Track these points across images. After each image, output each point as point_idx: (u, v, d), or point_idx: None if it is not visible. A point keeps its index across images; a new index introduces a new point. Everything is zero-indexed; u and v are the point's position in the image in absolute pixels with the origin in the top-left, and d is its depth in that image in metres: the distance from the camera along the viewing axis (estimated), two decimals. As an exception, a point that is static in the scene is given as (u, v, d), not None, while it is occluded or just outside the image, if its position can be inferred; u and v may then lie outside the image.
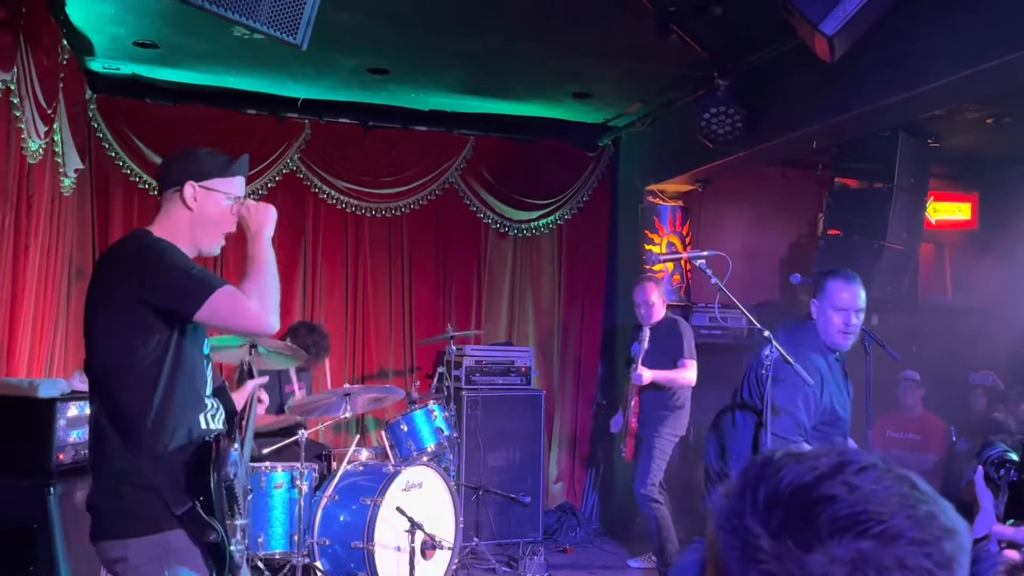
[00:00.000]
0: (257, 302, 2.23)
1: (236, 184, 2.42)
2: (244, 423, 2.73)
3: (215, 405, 2.41)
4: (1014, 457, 1.88)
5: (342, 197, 6.65)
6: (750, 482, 0.78)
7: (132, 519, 2.16)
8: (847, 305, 3.41)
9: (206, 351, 2.43)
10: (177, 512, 2.15)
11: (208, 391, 2.39)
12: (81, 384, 3.86)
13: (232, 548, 2.23)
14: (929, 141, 6.26)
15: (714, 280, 3.44)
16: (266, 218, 2.39)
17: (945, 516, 0.75)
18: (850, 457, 0.77)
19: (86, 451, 3.55)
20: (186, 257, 2.30)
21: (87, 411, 3.56)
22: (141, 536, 2.15)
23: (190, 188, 2.34)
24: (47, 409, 3.35)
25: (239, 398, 2.75)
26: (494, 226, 7.11)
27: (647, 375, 5.22)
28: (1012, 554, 1.68)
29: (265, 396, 2.90)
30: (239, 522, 2.28)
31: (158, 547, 2.15)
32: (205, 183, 2.35)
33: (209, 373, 2.43)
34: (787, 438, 3.35)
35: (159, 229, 2.35)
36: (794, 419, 3.36)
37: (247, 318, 2.22)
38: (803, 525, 0.73)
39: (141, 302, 2.19)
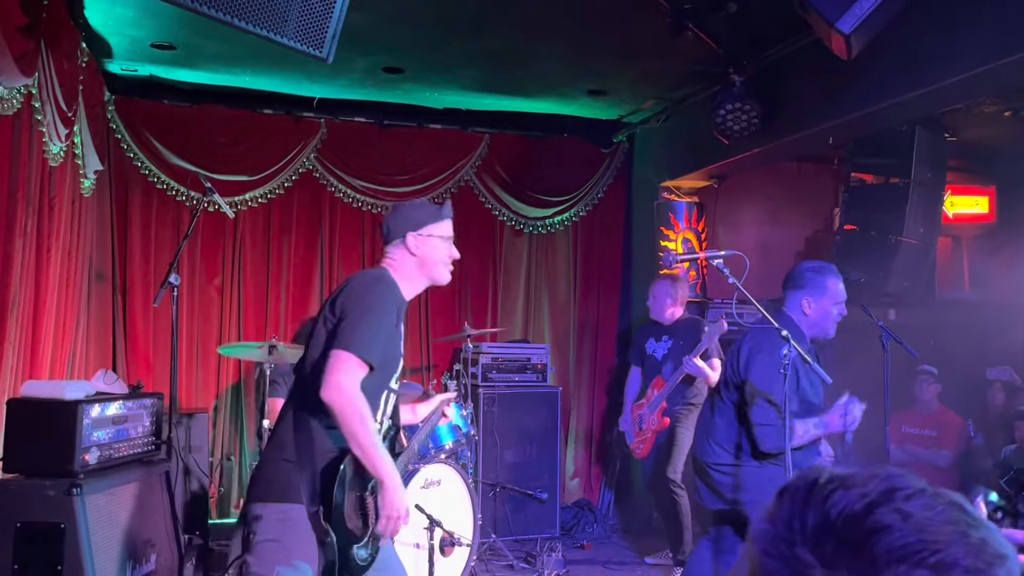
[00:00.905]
0: (353, 401, 2.40)
1: (445, 227, 2.79)
2: (421, 432, 3.13)
3: (381, 428, 2.68)
4: (994, 499, 1.87)
5: (358, 196, 6.68)
6: (796, 509, 0.77)
7: (272, 486, 2.48)
8: (844, 297, 3.70)
9: (392, 384, 2.74)
10: (310, 510, 2.44)
11: (379, 417, 2.66)
12: (105, 385, 3.91)
13: (354, 552, 2.51)
14: (946, 135, 6.23)
15: (731, 280, 3.47)
16: (397, 512, 2.48)
17: (996, 541, 0.76)
18: (898, 482, 0.77)
19: (111, 452, 3.62)
20: (390, 312, 2.58)
21: (110, 411, 3.64)
22: (273, 502, 2.46)
23: (411, 238, 2.72)
24: (73, 411, 3.40)
25: (425, 410, 3.16)
26: (509, 223, 7.12)
27: (701, 364, 5.25)
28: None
29: (451, 412, 3.10)
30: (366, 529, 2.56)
31: (283, 513, 2.45)
32: (422, 231, 2.73)
33: (388, 403, 2.73)
34: (768, 424, 3.50)
35: (394, 270, 2.73)
36: (771, 404, 3.50)
37: (334, 379, 2.40)
38: (858, 555, 0.73)
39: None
